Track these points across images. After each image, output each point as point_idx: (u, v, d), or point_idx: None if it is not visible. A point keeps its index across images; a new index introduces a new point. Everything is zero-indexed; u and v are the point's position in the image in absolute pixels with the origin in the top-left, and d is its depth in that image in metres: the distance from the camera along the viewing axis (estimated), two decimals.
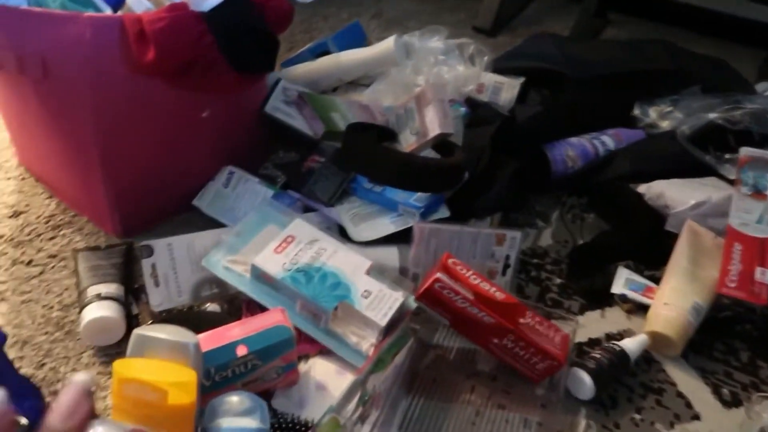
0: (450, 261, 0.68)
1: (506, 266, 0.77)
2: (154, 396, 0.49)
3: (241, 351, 0.58)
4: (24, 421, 0.50)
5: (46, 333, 0.70)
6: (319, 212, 0.82)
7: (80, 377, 0.19)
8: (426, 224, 0.76)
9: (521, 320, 0.67)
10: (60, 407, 0.18)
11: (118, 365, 0.51)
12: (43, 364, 0.67)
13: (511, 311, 0.67)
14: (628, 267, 0.81)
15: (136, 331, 0.54)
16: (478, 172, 0.83)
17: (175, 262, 0.73)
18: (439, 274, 0.66)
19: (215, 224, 0.82)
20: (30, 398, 0.56)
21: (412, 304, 0.71)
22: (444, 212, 0.81)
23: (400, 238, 0.79)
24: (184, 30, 0.69)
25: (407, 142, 0.88)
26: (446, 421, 0.64)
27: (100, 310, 0.68)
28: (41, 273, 0.78)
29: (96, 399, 0.63)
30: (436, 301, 0.67)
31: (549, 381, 0.68)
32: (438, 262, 0.68)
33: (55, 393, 0.61)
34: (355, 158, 0.80)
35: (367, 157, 0.79)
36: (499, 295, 0.67)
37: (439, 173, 0.78)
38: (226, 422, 0.53)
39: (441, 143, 0.86)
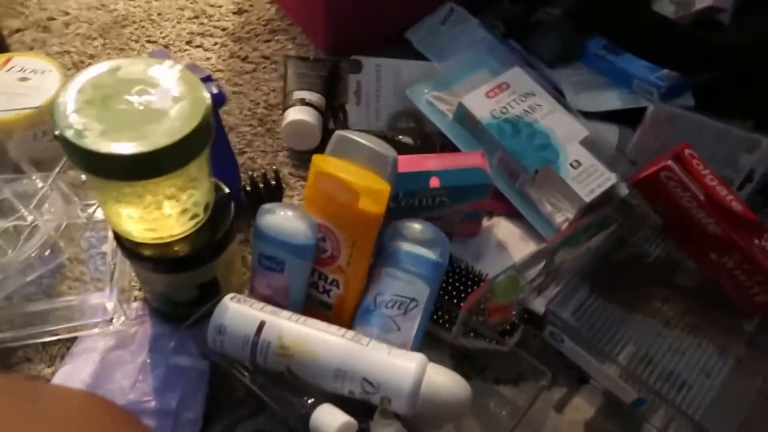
0: (687, 151, 0.57)
1: (747, 180, 0.64)
2: (346, 196, 0.48)
3: (434, 183, 0.55)
4: (226, 189, 0.52)
5: (250, 125, 0.73)
6: (537, 71, 0.74)
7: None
8: (666, 106, 0.64)
9: (756, 241, 0.56)
10: None
11: (318, 159, 0.50)
12: (244, 152, 0.70)
13: (746, 228, 0.56)
14: None
15: (339, 132, 0.52)
16: (749, 64, 0.68)
17: (380, 84, 0.70)
18: (670, 162, 0.56)
19: (423, 59, 0.77)
20: (231, 167, 0.58)
21: (624, 190, 0.62)
22: (688, 100, 0.68)
23: (623, 118, 0.68)
24: None
25: (661, 11, 0.74)
26: (627, 322, 0.57)
27: (302, 114, 0.68)
28: (254, 70, 0.79)
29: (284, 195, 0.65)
30: (657, 192, 0.57)
31: (763, 319, 0.58)
32: (671, 149, 0.58)
33: (251, 177, 0.63)
34: (602, 14, 0.68)
35: (618, 14, 0.66)
36: (737, 206, 0.56)
37: (707, 52, 0.64)
38: (406, 246, 0.50)
39: (706, 20, 0.71)
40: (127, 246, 0.48)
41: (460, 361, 0.53)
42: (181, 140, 0.39)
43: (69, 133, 0.39)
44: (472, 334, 0.53)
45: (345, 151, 0.51)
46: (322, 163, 0.49)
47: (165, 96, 0.41)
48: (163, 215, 0.45)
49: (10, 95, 0.61)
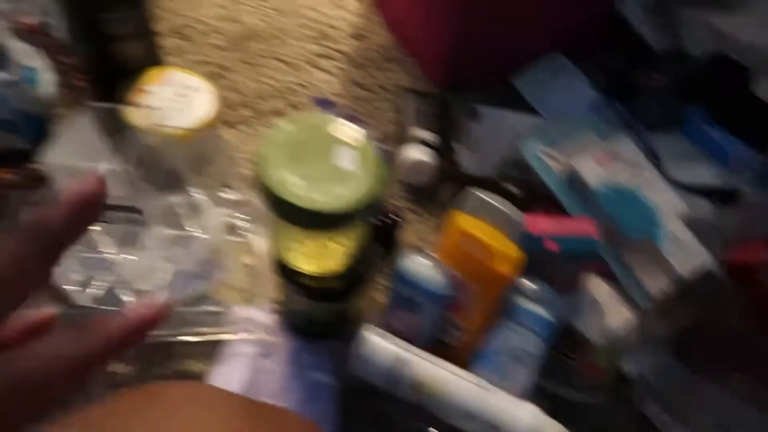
0: None
1: None
2: (482, 255, 0.54)
3: (553, 247, 0.61)
4: None
5: None
6: (637, 133, 0.79)
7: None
8: (762, 191, 0.69)
9: None
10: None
11: (458, 217, 0.56)
12: None
13: None
14: None
15: (473, 192, 0.58)
16: None
17: (493, 132, 0.76)
18: None
19: (526, 105, 0.82)
20: None
21: (715, 268, 0.67)
22: None
23: (719, 195, 0.73)
24: None
25: (759, 91, 0.78)
26: (708, 392, 0.63)
27: (423, 154, 0.74)
28: (370, 98, 0.85)
29: (402, 232, 0.71)
30: (749, 281, 0.63)
31: None
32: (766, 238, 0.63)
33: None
34: (702, 89, 0.72)
35: (718, 91, 0.70)
36: None
37: None
38: (523, 302, 0.57)
39: None
40: (287, 271, 0.55)
41: (554, 411, 0.59)
42: (366, 202, 0.45)
43: (272, 184, 0.45)
44: (566, 386, 0.59)
45: (478, 210, 0.57)
46: (462, 221, 0.56)
47: (352, 158, 0.47)
48: (328, 254, 0.52)
49: (169, 110, 0.68)
